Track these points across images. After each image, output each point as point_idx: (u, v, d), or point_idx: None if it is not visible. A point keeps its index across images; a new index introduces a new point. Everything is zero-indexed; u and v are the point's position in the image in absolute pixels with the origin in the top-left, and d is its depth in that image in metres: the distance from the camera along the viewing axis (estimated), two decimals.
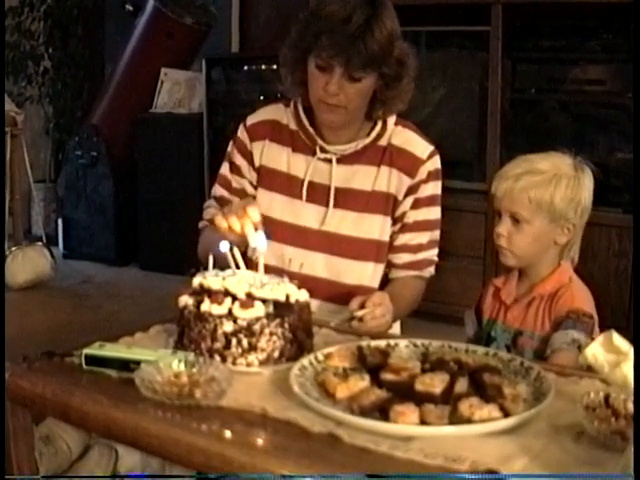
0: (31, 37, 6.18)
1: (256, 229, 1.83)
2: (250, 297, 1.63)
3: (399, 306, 2.06)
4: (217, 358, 1.59)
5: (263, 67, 5.27)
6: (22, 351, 1.74)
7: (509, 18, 4.17)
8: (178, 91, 5.70)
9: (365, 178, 2.18)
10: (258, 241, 1.78)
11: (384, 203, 2.18)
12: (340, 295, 2.14)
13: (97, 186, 5.75)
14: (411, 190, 2.17)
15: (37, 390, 1.58)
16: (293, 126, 2.21)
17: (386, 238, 2.19)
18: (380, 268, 2.21)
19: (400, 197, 2.17)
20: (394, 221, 2.20)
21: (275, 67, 5.28)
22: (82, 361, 1.61)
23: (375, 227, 2.18)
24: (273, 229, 2.11)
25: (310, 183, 2.18)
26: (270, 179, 2.21)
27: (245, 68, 5.47)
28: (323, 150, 2.17)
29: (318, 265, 2.17)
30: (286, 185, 2.20)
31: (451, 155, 4.43)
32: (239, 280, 1.67)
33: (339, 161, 2.17)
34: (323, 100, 2.06)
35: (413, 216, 2.19)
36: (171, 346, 1.69)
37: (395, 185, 2.17)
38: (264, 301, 1.63)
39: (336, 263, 2.18)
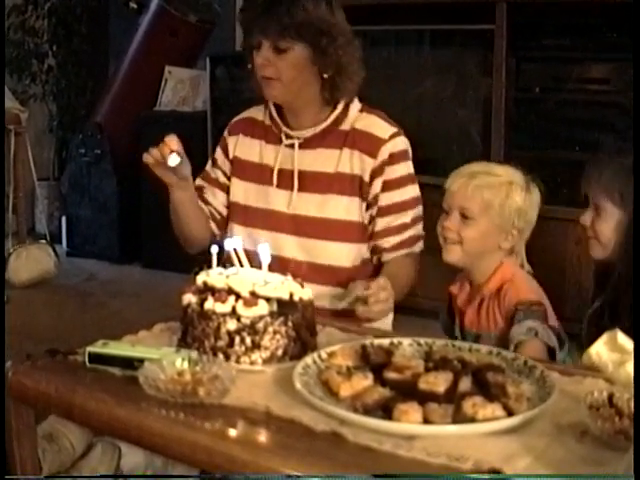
0: (35, 35, 6.17)
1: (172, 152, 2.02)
2: (254, 295, 1.63)
3: (397, 287, 2.11)
4: (220, 356, 1.59)
5: None
6: (25, 349, 1.74)
7: (514, 16, 4.16)
8: (182, 89, 5.70)
9: (328, 160, 2.25)
10: (171, 160, 2.00)
11: (349, 184, 2.23)
12: (316, 275, 2.19)
13: (101, 184, 5.74)
14: (376, 172, 2.22)
15: (40, 388, 1.58)
16: (267, 121, 2.34)
17: (355, 218, 2.25)
18: (354, 248, 2.26)
19: (366, 178, 2.23)
20: (369, 204, 2.25)
21: None
22: (86, 359, 1.62)
23: (340, 208, 2.24)
24: (248, 216, 2.31)
25: (280, 170, 2.28)
26: (243, 169, 2.34)
27: (249, 66, 5.45)
28: (288, 137, 2.28)
29: (289, 247, 2.24)
30: (258, 174, 2.31)
31: (454, 153, 4.44)
32: (243, 278, 1.67)
33: (302, 146, 2.26)
34: (260, 75, 2.21)
35: (388, 199, 2.24)
36: (175, 344, 1.69)
37: (358, 166, 2.23)
38: (268, 299, 1.63)
39: (306, 244, 2.25)
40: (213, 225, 2.39)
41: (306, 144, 2.26)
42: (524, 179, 2.08)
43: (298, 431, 1.35)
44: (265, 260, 1.74)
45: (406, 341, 1.67)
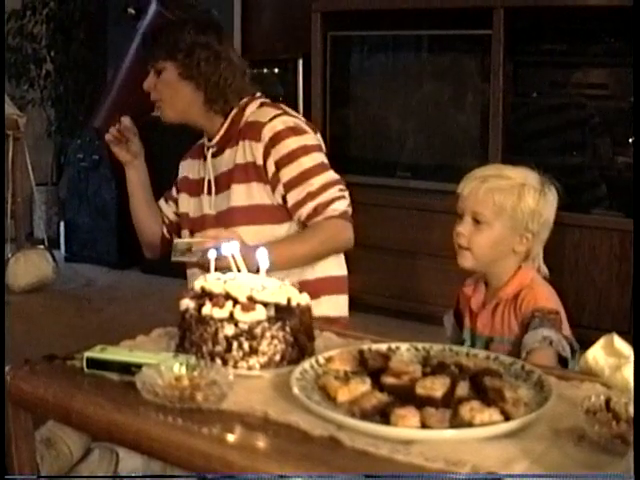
0: (33, 40, 6.17)
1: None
2: (251, 300, 1.63)
3: (312, 243, 2.39)
4: (218, 361, 1.59)
5: (265, 71, 5.26)
6: (24, 354, 1.74)
7: (511, 22, 4.16)
8: None
9: (230, 158, 2.49)
10: (125, 121, 2.54)
11: (244, 172, 2.44)
12: None
13: (99, 189, 5.74)
14: (266, 154, 2.41)
15: (39, 393, 1.58)
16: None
17: (257, 202, 2.44)
18: (262, 229, 2.42)
19: (259, 162, 2.42)
20: (273, 186, 2.42)
21: (277, 70, 5.29)
22: (84, 364, 1.62)
23: (241, 195, 2.45)
24: (191, 223, 2.61)
25: (209, 179, 2.54)
26: (187, 186, 2.65)
27: (247, 72, 5.45)
28: (208, 149, 2.55)
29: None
30: (197, 188, 2.59)
31: (452, 159, 4.45)
32: (240, 284, 1.68)
33: (215, 154, 2.53)
34: (151, 99, 2.52)
35: (287, 174, 2.40)
36: (172, 349, 1.70)
37: (250, 153, 2.44)
38: (265, 304, 1.63)
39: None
40: (164, 228, 2.69)
41: (218, 151, 2.53)
42: (539, 180, 2.05)
43: (295, 436, 1.35)
44: (263, 265, 1.74)
45: (404, 346, 1.67)
